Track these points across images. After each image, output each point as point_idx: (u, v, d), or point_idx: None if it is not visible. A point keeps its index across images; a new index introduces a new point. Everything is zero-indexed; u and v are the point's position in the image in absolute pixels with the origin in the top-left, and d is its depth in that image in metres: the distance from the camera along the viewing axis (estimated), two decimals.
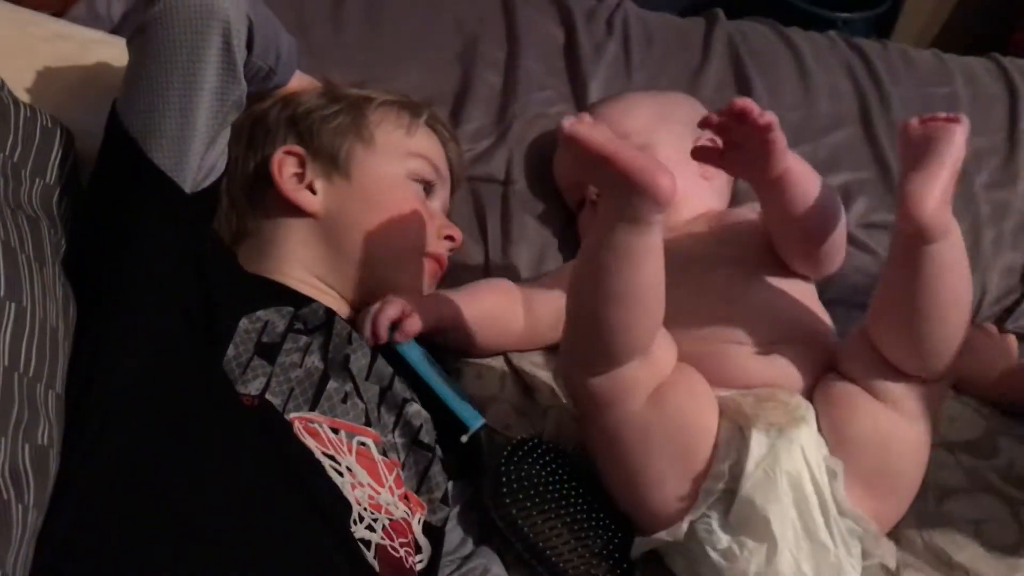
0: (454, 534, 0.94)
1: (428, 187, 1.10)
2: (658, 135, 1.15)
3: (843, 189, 1.30)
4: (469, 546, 0.93)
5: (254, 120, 1.06)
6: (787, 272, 1.04)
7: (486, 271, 1.19)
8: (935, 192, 0.84)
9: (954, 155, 0.86)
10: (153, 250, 0.87)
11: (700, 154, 0.96)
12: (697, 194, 1.15)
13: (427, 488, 0.93)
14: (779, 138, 0.91)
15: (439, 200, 1.12)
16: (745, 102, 0.88)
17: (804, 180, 0.96)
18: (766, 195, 1.00)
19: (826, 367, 0.98)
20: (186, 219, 0.89)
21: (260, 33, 0.90)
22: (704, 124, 0.91)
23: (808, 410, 0.92)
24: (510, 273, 1.19)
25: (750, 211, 1.12)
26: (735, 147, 0.93)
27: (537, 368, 1.09)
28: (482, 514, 0.95)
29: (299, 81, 1.10)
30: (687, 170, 1.14)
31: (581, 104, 1.34)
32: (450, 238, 1.11)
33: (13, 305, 0.77)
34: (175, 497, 0.76)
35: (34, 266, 0.82)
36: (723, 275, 1.02)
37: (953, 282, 0.89)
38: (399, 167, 1.07)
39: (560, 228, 1.23)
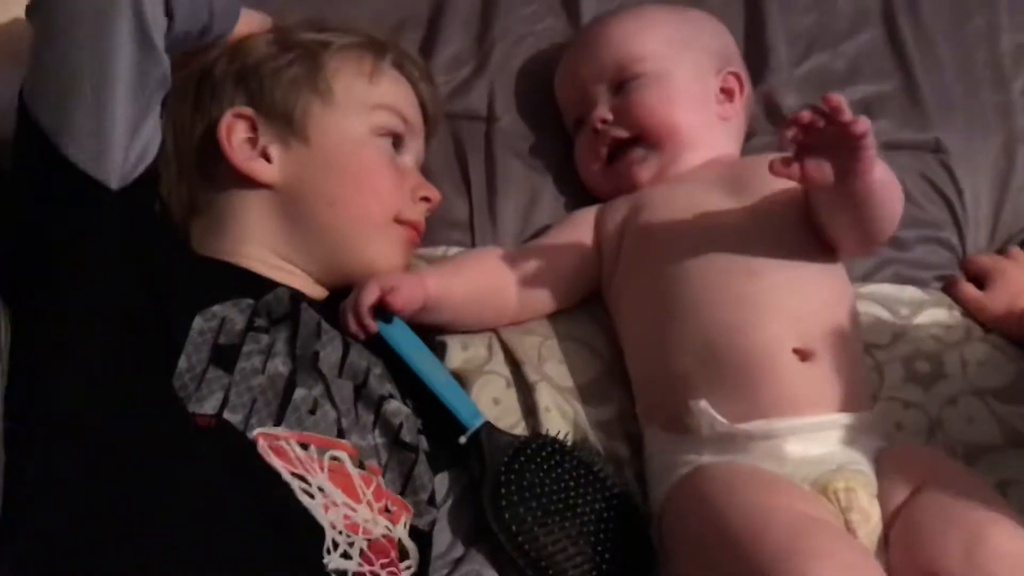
0: (443, 535, 0.88)
1: (397, 141, 0.99)
2: (675, 62, 1.03)
3: (863, 104, 1.17)
4: (460, 548, 0.88)
5: (199, 76, 0.95)
6: (816, 245, 0.93)
7: (470, 226, 1.09)
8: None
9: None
10: (83, 257, 0.79)
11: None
12: (712, 135, 1.04)
13: (412, 489, 0.87)
14: (870, 148, 0.80)
15: (411, 154, 1.01)
16: (838, 100, 0.76)
17: (884, 192, 0.85)
18: (830, 200, 0.88)
19: (856, 374, 0.90)
20: (117, 217, 0.80)
21: None
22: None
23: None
24: (497, 227, 1.09)
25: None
26: (813, 151, 0.81)
27: (525, 335, 1.01)
28: (475, 512, 0.89)
29: (247, 24, 0.97)
30: (704, 105, 1.04)
31: (573, 18, 1.21)
32: (426, 199, 1.00)
33: None
34: (130, 534, 0.71)
35: None
36: (745, 241, 0.92)
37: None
38: (362, 123, 0.96)
39: (552, 170, 1.12)
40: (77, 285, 0.78)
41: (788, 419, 0.84)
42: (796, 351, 0.86)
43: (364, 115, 0.96)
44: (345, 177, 0.94)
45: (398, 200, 0.97)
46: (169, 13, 0.79)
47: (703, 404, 0.86)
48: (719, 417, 0.85)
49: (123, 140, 0.78)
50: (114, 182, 0.79)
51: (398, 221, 0.97)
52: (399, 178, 0.97)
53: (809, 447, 0.84)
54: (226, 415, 0.77)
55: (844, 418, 0.86)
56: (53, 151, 0.77)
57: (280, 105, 0.94)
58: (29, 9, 0.78)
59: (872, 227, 0.89)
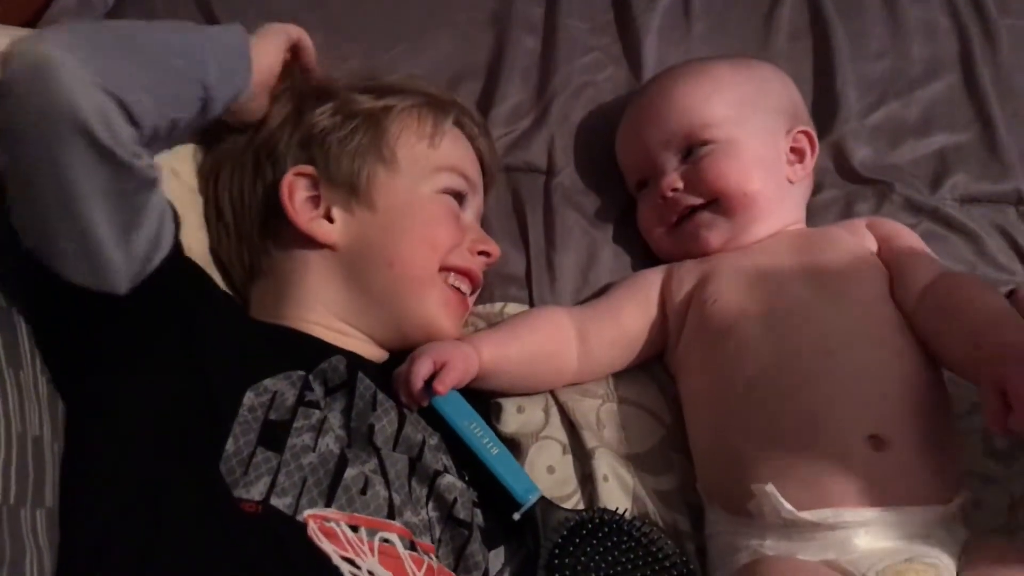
0: None
1: (459, 198, 0.98)
2: (745, 125, 0.99)
3: (938, 156, 1.13)
4: None
5: (258, 147, 0.95)
6: (896, 324, 0.88)
7: (527, 281, 1.06)
8: None
9: None
10: (110, 363, 0.78)
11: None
12: (783, 200, 0.99)
13: (464, 567, 0.84)
14: None
15: (472, 210, 1.00)
16: None
17: None
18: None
19: (938, 462, 0.84)
20: (138, 315, 0.78)
21: (151, 94, 0.75)
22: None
23: None
24: (555, 282, 1.06)
25: (848, 234, 0.95)
26: None
27: (584, 397, 0.98)
28: None
29: (271, 70, 0.93)
30: (776, 169, 1.00)
31: (634, 67, 1.18)
32: (484, 254, 0.99)
33: None
34: None
35: (7, 373, 0.74)
36: (818, 319, 0.88)
37: None
38: (427, 185, 0.95)
39: (612, 224, 1.09)
40: (111, 379, 0.78)
41: (858, 510, 0.80)
42: (871, 438, 0.82)
43: (428, 178, 0.95)
44: (407, 235, 0.93)
45: (457, 256, 0.95)
46: (133, 121, 0.74)
47: (769, 488, 0.82)
48: (786, 504, 0.81)
49: (119, 250, 0.75)
50: (124, 287, 0.76)
51: (447, 268, 0.94)
52: (460, 233, 0.96)
53: (879, 539, 0.80)
54: (273, 500, 0.76)
55: (920, 512, 0.81)
56: (50, 274, 0.75)
57: (345, 174, 0.93)
58: None
59: None
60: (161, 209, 0.80)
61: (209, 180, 0.98)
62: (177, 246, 0.82)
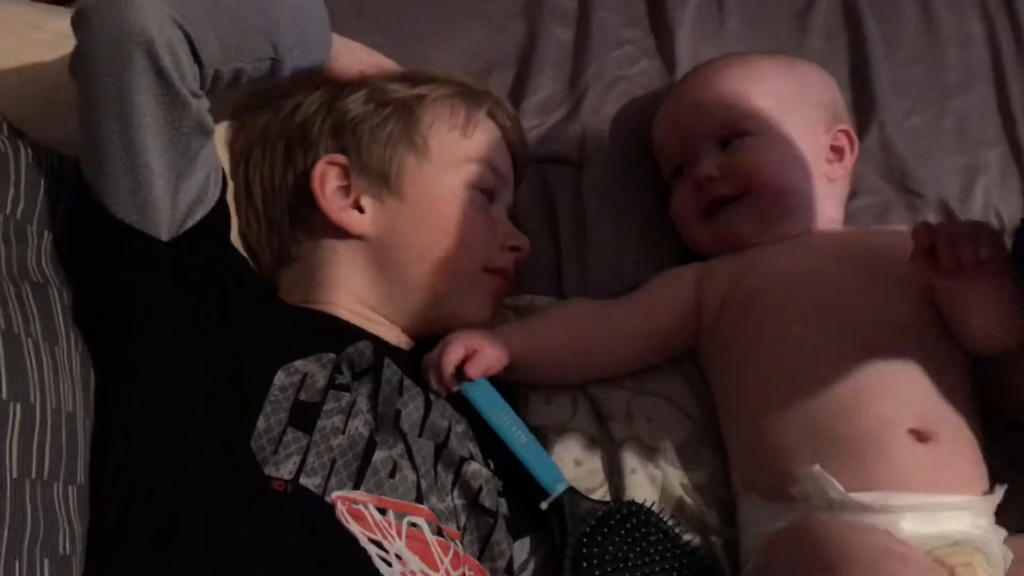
0: None
1: (490, 190, 0.97)
2: (786, 118, 0.99)
3: (969, 169, 1.13)
4: None
5: (291, 131, 0.95)
6: (935, 324, 0.89)
7: (557, 273, 1.06)
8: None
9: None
10: (145, 312, 0.78)
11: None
12: (819, 198, 0.99)
13: (489, 555, 0.85)
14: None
15: (502, 204, 1.00)
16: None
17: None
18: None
19: (976, 456, 0.85)
20: (176, 266, 0.78)
21: (219, 37, 0.76)
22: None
23: None
24: (585, 274, 1.06)
25: (895, 237, 0.94)
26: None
27: (612, 389, 0.98)
28: None
29: (349, 58, 0.94)
30: (814, 165, 0.99)
31: (667, 61, 1.17)
32: (515, 248, 0.98)
33: (18, 406, 0.69)
34: None
35: (43, 348, 0.73)
36: (858, 317, 0.88)
37: None
38: (456, 177, 0.95)
39: (643, 217, 1.09)
40: (145, 340, 0.78)
41: (904, 495, 0.80)
42: (913, 432, 0.82)
43: (458, 169, 0.95)
44: (436, 230, 0.93)
45: (488, 250, 0.95)
46: (198, 59, 0.75)
47: (817, 470, 0.82)
48: (835, 483, 0.81)
49: (166, 192, 0.76)
50: (164, 234, 0.77)
51: (487, 270, 0.95)
52: (491, 228, 0.96)
53: (925, 524, 0.80)
54: (303, 480, 0.76)
55: (965, 500, 0.82)
56: (100, 208, 0.76)
57: (377, 162, 0.93)
58: (69, 67, 0.77)
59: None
60: (211, 164, 0.81)
61: (240, 163, 0.98)
62: (220, 210, 0.82)
